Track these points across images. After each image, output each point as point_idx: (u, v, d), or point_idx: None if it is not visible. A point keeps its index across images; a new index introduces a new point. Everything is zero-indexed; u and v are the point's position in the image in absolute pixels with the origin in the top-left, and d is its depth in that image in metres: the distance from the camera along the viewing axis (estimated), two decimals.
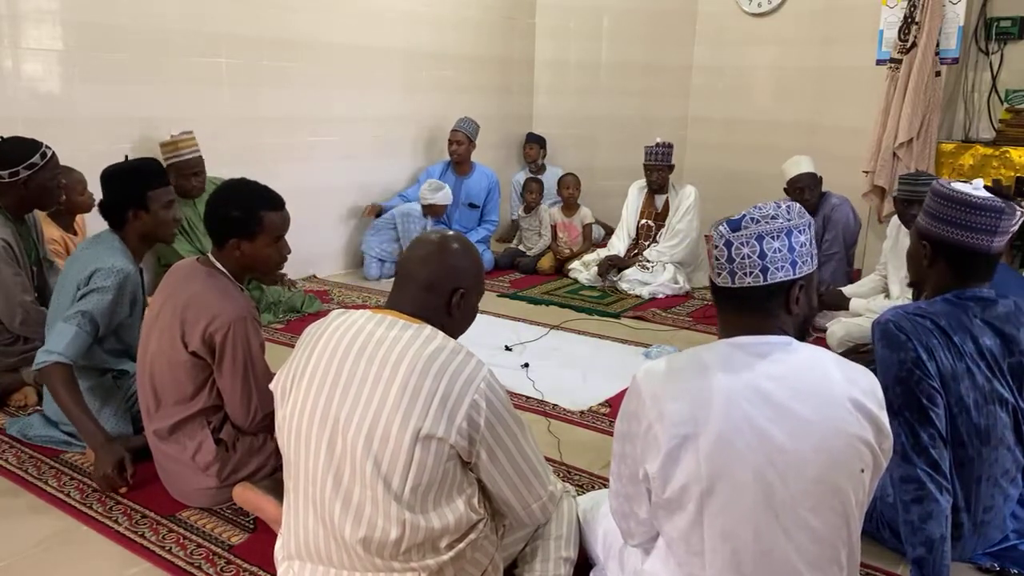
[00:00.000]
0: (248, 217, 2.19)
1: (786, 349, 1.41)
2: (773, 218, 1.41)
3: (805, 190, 4.19)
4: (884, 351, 1.89)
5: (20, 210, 2.98)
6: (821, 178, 4.25)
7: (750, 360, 1.40)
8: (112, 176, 2.55)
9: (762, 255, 1.40)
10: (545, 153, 6.24)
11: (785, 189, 4.26)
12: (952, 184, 1.92)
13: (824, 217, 4.22)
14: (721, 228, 1.45)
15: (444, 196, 5.12)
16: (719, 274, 1.45)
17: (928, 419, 1.84)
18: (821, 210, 4.24)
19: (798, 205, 1.47)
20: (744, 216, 1.43)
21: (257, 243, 2.21)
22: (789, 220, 1.41)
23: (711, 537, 1.37)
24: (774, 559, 1.36)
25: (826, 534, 1.37)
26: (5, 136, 2.94)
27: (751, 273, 1.41)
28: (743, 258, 1.41)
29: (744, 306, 1.45)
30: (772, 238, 1.40)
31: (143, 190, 2.53)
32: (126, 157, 2.73)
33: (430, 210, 5.14)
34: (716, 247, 1.45)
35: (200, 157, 4.01)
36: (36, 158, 2.87)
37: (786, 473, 1.34)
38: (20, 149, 2.88)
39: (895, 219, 3.78)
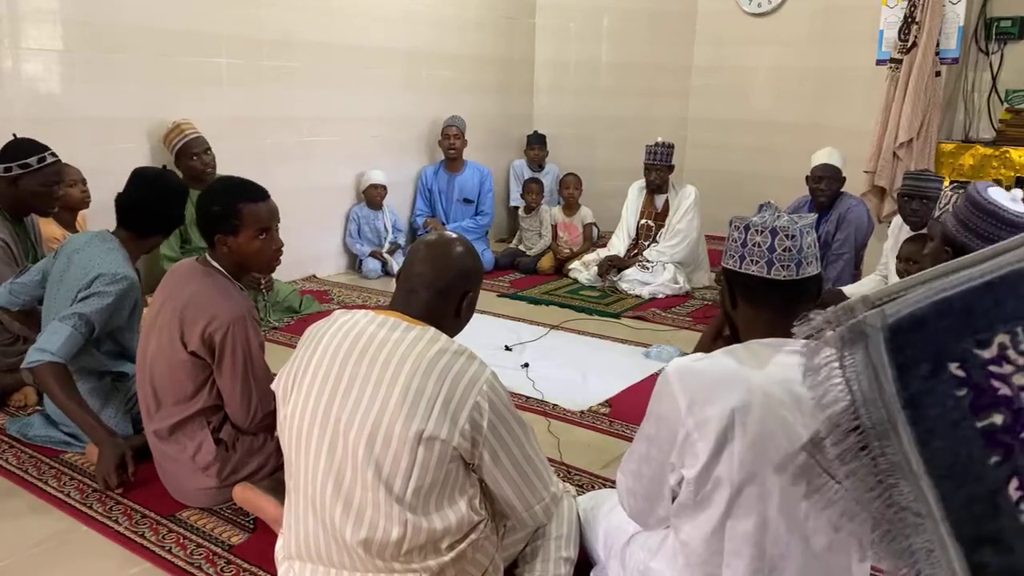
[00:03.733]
0: (228, 211, 2.17)
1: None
2: (801, 220, 1.47)
3: (824, 180, 4.18)
4: None
5: (16, 210, 2.98)
6: (844, 178, 4.24)
7: (784, 362, 1.38)
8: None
9: (800, 250, 1.44)
10: (547, 153, 6.24)
11: (807, 177, 4.26)
12: (988, 191, 1.83)
13: (839, 216, 4.21)
14: (785, 220, 1.45)
15: (377, 175, 5.28)
16: (786, 266, 1.43)
17: None
18: (836, 209, 4.24)
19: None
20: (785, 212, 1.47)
21: (241, 237, 2.19)
22: (809, 222, 1.47)
23: (733, 538, 1.37)
24: (790, 562, 1.36)
25: (842, 541, 1.37)
26: (18, 135, 2.95)
27: (812, 262, 1.45)
28: (785, 250, 1.42)
29: (768, 299, 1.46)
30: (806, 233, 1.46)
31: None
32: (164, 166, 2.76)
33: (371, 196, 5.27)
34: (791, 237, 1.43)
35: (203, 138, 4.07)
36: (32, 160, 2.87)
37: None
38: (19, 149, 2.88)
39: (897, 219, 3.78)
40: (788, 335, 1.42)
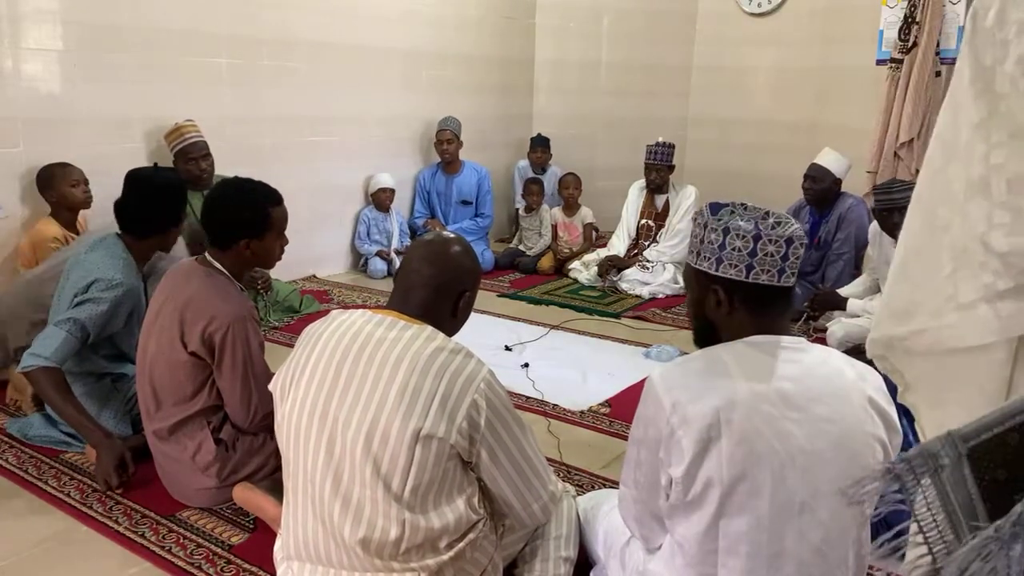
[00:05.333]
0: (258, 216, 2.20)
1: (799, 349, 1.43)
2: (790, 220, 1.46)
3: (808, 179, 4.22)
4: None
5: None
6: (840, 180, 4.23)
7: (768, 360, 1.40)
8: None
9: (795, 257, 1.44)
10: (550, 156, 6.16)
11: (804, 175, 4.29)
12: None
13: (839, 216, 4.22)
14: (795, 228, 1.44)
15: (386, 179, 5.31)
16: (767, 272, 1.43)
17: None
18: (836, 208, 4.25)
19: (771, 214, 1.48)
20: (783, 219, 1.46)
21: (266, 240, 2.24)
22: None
23: (726, 536, 1.37)
24: (787, 558, 1.37)
25: (838, 534, 1.38)
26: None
27: (796, 271, 1.45)
28: (797, 258, 1.43)
29: (772, 304, 1.46)
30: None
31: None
32: (155, 164, 2.74)
33: (380, 199, 5.29)
34: (805, 246, 1.44)
35: (204, 141, 4.02)
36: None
37: (805, 474, 1.35)
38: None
39: (874, 226, 3.76)
40: (770, 332, 1.44)
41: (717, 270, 1.48)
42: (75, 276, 2.50)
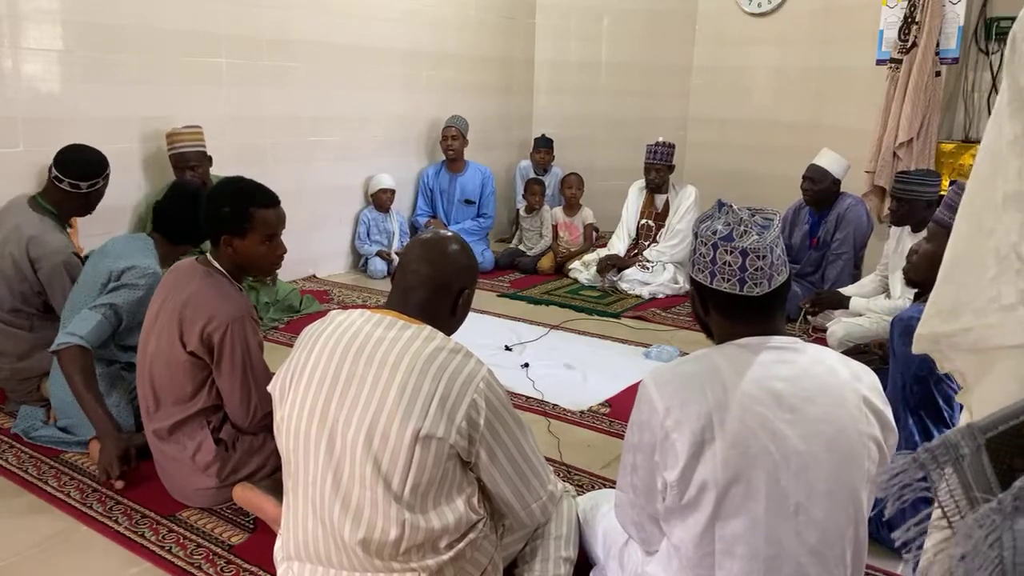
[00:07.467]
0: (238, 214, 2.18)
1: (793, 349, 1.43)
2: (766, 226, 1.44)
3: (806, 180, 4.24)
4: (905, 348, 1.89)
5: (69, 218, 3.02)
6: (839, 180, 4.25)
7: (761, 361, 1.40)
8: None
9: (771, 265, 1.42)
10: (553, 157, 6.15)
11: (803, 176, 4.31)
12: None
13: (838, 216, 4.23)
14: (753, 240, 1.42)
15: (386, 180, 5.30)
16: (759, 283, 1.42)
17: (943, 419, 1.85)
18: (835, 208, 4.26)
19: (753, 215, 1.47)
20: (750, 228, 1.44)
21: (247, 241, 2.20)
22: (775, 228, 1.45)
23: (723, 538, 1.37)
24: (784, 559, 1.37)
25: (834, 533, 1.38)
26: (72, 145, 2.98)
27: (781, 270, 1.44)
28: (757, 270, 1.42)
29: (743, 311, 1.45)
30: (775, 246, 1.43)
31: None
32: (203, 182, 2.81)
33: (380, 200, 5.30)
34: (762, 257, 1.42)
35: (198, 152, 3.97)
36: (108, 170, 2.96)
37: (800, 474, 1.34)
38: (97, 163, 2.93)
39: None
40: (762, 334, 1.44)
41: (692, 271, 1.51)
42: (103, 265, 2.55)
